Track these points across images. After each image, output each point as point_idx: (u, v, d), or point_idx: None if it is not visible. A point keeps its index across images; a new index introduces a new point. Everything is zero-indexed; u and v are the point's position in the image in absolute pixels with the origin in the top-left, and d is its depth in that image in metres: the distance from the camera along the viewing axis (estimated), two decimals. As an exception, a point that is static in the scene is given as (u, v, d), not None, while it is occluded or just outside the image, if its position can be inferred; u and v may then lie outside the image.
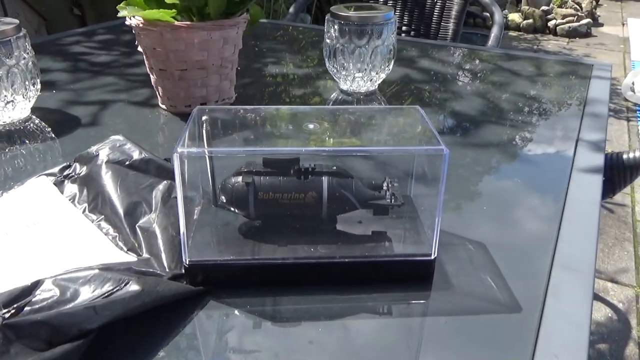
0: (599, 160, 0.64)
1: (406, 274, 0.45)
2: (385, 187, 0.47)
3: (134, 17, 0.72)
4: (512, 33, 4.81)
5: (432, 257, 0.44)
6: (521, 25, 4.81)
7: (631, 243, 1.92)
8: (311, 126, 0.45)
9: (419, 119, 0.46)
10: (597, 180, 0.59)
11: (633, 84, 3.34)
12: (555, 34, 4.73)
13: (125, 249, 0.47)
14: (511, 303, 0.43)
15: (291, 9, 1.66)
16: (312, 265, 0.44)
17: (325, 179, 0.44)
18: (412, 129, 0.47)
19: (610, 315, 1.59)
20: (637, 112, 3.06)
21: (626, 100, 3.21)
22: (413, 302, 0.44)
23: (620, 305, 1.63)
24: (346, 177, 0.45)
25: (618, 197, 2.22)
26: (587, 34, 4.72)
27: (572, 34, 4.67)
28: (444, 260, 0.48)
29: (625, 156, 0.75)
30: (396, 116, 0.51)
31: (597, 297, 1.66)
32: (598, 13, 5.22)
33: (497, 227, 0.53)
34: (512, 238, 0.51)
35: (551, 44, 4.51)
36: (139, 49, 0.76)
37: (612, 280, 1.73)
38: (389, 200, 0.45)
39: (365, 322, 0.42)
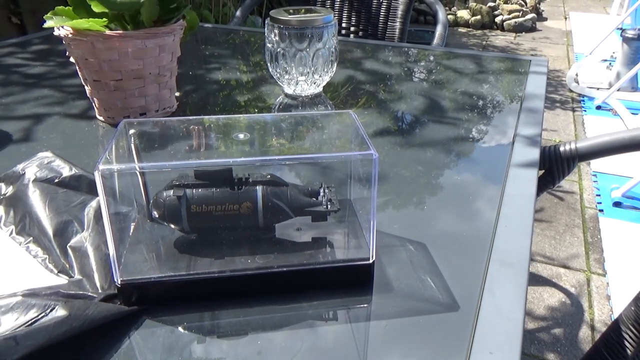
0: (534, 155, 0.66)
1: (346, 279, 0.45)
2: (322, 193, 0.46)
3: (63, 27, 0.69)
4: (462, 29, 4.93)
5: (371, 261, 0.44)
6: (470, 22, 4.94)
7: (581, 229, 2.00)
8: (241, 136, 0.44)
9: (352, 124, 0.46)
10: (532, 175, 0.61)
11: (577, 75, 3.48)
12: (502, 29, 4.88)
13: (56, 272, 0.45)
14: (449, 302, 0.43)
15: (238, 12, 1.64)
16: (250, 277, 0.43)
17: (259, 189, 0.43)
18: (345, 134, 0.47)
19: (563, 300, 1.65)
20: (582, 102, 3.19)
21: (571, 91, 3.34)
22: (354, 307, 0.44)
23: (572, 290, 1.69)
24: (281, 185, 0.44)
25: (567, 185, 2.30)
26: (532, 29, 4.88)
27: (518, 28, 4.82)
28: (385, 263, 0.48)
29: (562, 148, 0.77)
30: (329, 122, 0.50)
31: (550, 283, 1.72)
32: (542, 8, 5.41)
33: (437, 226, 0.53)
34: (451, 236, 0.52)
35: (499, 39, 4.65)
36: (71, 59, 0.73)
37: (564, 266, 1.80)
38: (325, 207, 0.45)
39: (308, 330, 0.41)
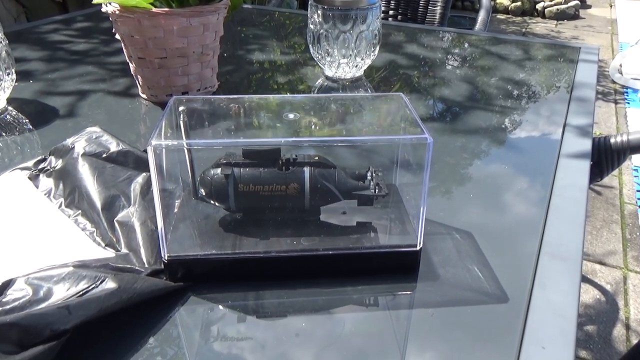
0: (586, 145, 0.63)
1: (392, 265, 0.44)
2: (369, 177, 0.45)
3: (110, 3, 0.70)
4: (500, 16, 4.79)
5: (418, 248, 0.43)
6: (509, 8, 4.79)
7: (619, 225, 1.94)
8: (291, 116, 0.43)
9: (402, 106, 0.45)
10: (585, 166, 0.59)
11: (621, 66, 3.35)
12: (543, 16, 4.72)
13: (103, 245, 0.46)
14: (498, 293, 0.42)
15: (276, -6, 1.63)
16: (295, 259, 0.43)
17: (307, 170, 0.43)
18: (395, 117, 0.46)
19: (598, 297, 1.61)
20: (625, 94, 3.07)
21: (614, 82, 3.22)
22: (399, 293, 0.43)
23: (608, 287, 1.64)
24: (329, 167, 0.44)
25: (606, 180, 2.23)
26: (575, 16, 4.71)
27: (560, 16, 4.66)
28: (430, 250, 0.47)
29: (612, 140, 0.74)
30: (380, 104, 0.49)
31: (585, 279, 1.68)
32: (586, -5, 5.20)
33: (483, 215, 0.52)
34: (499, 226, 0.50)
35: (539, 26, 4.50)
36: (117, 36, 0.74)
37: (601, 262, 1.75)
38: (373, 191, 0.44)
39: (351, 315, 0.41)
